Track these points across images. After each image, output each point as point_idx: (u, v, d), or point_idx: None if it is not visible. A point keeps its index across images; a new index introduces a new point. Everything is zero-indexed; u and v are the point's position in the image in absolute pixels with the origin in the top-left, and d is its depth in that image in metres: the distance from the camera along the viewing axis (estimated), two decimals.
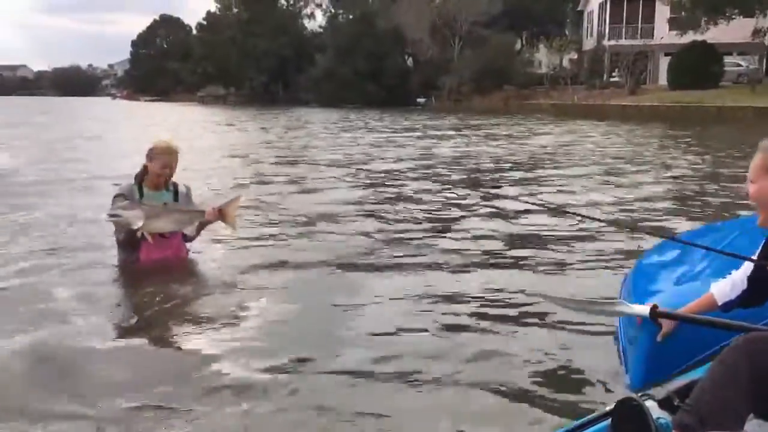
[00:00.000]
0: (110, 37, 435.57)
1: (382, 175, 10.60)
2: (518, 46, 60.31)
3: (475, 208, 7.82)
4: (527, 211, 7.19)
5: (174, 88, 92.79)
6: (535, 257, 5.43)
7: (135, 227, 4.54)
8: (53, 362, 3.24)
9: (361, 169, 11.74)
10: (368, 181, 9.94)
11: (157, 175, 4.74)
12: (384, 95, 56.43)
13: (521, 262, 5.31)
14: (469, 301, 4.27)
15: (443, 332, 3.71)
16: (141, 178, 4.79)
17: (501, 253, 5.66)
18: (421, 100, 57.43)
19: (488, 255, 5.56)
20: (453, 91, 53.28)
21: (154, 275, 4.68)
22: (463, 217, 7.29)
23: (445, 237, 6.26)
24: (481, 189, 9.41)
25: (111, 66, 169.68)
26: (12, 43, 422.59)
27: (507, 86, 50.32)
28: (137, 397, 2.87)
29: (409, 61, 63.89)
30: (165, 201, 4.78)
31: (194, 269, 5.01)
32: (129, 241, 4.71)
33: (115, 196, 4.74)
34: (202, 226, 4.91)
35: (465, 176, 11.20)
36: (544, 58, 57.23)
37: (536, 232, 6.35)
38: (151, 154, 4.73)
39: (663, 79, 41.13)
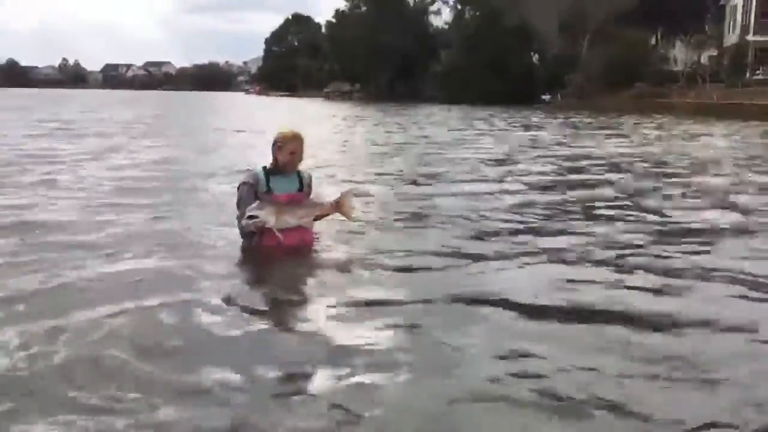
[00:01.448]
0: (246, 35, 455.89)
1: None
2: (653, 42, 57.51)
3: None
4: None
5: (302, 84, 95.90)
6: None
7: (269, 225, 4.69)
8: (173, 337, 3.28)
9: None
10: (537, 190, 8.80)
11: (288, 161, 4.88)
12: (508, 92, 55.57)
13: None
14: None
15: None
16: (272, 167, 4.93)
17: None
18: (545, 96, 56.09)
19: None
20: (580, 88, 51.57)
21: (275, 261, 4.74)
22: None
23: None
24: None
25: (245, 63, 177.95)
26: (158, 42, 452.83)
27: (638, 84, 48.05)
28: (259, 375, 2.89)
29: (535, 58, 62.57)
30: (293, 186, 4.93)
31: (317, 258, 4.96)
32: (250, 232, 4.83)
33: (241, 184, 4.90)
34: (318, 219, 5.01)
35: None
36: (680, 55, 54.21)
37: None
38: (278, 143, 4.87)
39: None
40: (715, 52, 52.32)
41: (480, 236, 5.75)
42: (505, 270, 4.69)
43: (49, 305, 3.66)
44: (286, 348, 3.24)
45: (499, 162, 12.07)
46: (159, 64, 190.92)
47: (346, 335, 3.34)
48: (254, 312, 3.71)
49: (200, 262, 4.67)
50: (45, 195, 7.32)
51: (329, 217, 5.06)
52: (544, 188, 8.84)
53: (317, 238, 5.14)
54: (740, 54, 44.46)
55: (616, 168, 11.31)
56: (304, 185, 5.00)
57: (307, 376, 2.90)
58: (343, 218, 5.08)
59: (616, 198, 8.02)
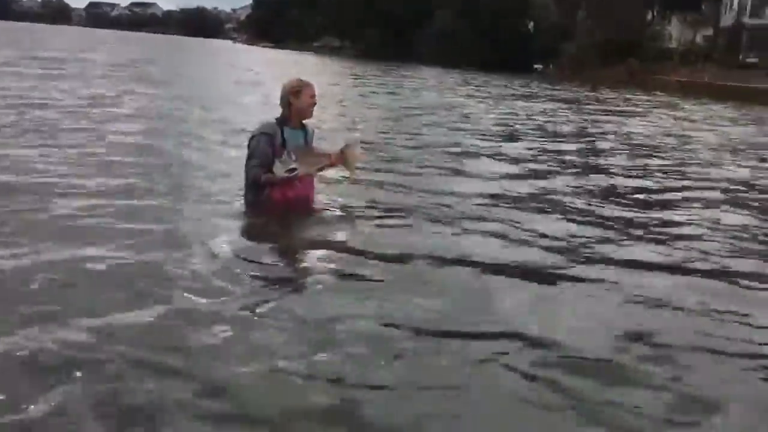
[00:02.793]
0: None
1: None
2: (649, 17, 57.18)
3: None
4: None
5: (292, 37, 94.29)
6: None
7: (299, 174, 4.70)
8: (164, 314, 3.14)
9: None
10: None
11: (309, 107, 4.81)
12: (501, 59, 55.15)
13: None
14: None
15: None
16: (283, 119, 4.83)
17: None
18: (538, 66, 55.77)
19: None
20: (573, 60, 51.32)
21: (281, 218, 4.74)
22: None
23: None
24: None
25: (234, 10, 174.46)
26: None
27: (631, 59, 47.89)
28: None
29: (530, 26, 61.99)
30: (299, 140, 4.84)
31: (322, 211, 5.08)
32: (263, 182, 4.76)
33: (256, 135, 4.78)
34: (321, 170, 4.99)
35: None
36: (675, 32, 54.05)
37: None
38: (296, 89, 4.78)
39: None
40: (710, 32, 52.24)
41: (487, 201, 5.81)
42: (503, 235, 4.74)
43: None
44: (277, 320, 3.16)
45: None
46: (145, 5, 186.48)
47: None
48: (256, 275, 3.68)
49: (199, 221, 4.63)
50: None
51: (332, 169, 5.06)
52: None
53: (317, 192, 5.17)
54: (735, 36, 44.43)
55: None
56: (308, 138, 4.95)
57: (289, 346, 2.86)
58: (346, 170, 5.09)
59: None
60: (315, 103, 4.85)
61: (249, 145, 4.82)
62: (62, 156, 6.48)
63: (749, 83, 33.44)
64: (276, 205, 4.78)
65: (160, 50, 45.42)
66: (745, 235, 5.43)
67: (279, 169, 4.60)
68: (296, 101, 4.76)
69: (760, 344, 3.25)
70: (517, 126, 13.38)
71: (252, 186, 4.82)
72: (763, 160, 10.98)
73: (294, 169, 4.62)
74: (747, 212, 6.45)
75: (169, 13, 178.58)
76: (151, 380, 2.47)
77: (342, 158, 4.91)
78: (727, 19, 48.89)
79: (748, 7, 44.33)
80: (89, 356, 2.59)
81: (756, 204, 7.00)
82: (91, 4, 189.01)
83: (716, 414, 2.58)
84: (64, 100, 11.32)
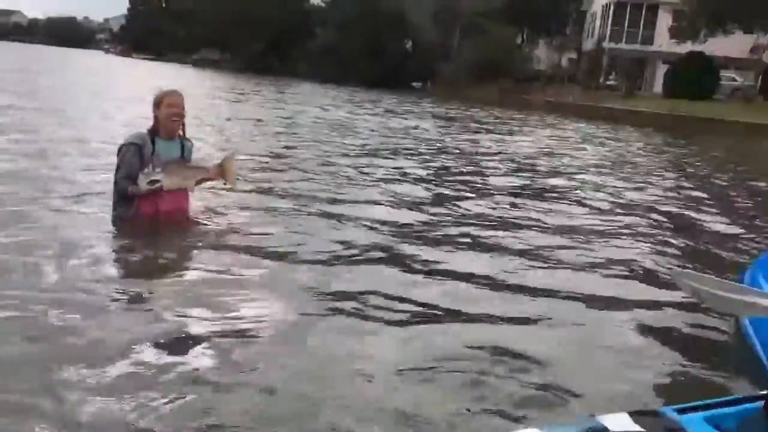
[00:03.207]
0: None
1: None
2: (519, 40, 60.30)
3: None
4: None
5: (168, 49, 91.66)
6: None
7: (164, 188, 4.66)
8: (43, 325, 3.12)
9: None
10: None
11: (169, 118, 4.73)
12: (381, 76, 56.24)
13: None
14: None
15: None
16: (153, 130, 4.79)
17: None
18: (416, 84, 57.31)
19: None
20: (450, 79, 53.21)
21: (154, 232, 4.74)
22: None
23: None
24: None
25: (107, 20, 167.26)
26: None
27: (502, 79, 50.28)
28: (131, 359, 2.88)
29: (409, 45, 63.65)
30: (174, 153, 4.83)
31: (196, 225, 5.08)
32: (130, 196, 4.70)
33: (125, 145, 4.73)
34: (200, 183, 5.00)
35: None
36: (543, 55, 57.32)
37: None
38: (158, 100, 4.75)
39: (659, 87, 41.43)
40: (574, 55, 55.78)
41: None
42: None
43: None
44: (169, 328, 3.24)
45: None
46: (7, 13, 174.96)
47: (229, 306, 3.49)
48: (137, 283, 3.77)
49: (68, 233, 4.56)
50: None
51: (210, 183, 5.11)
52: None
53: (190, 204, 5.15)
54: (596, 59, 47.72)
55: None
56: (185, 152, 4.91)
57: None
58: (226, 183, 5.14)
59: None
60: (177, 113, 4.74)
61: (118, 155, 4.77)
62: None
63: (606, 104, 36.07)
64: (146, 218, 4.72)
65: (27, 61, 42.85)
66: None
67: (142, 181, 4.56)
68: (158, 111, 4.74)
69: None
70: (396, 142, 13.83)
71: (120, 198, 4.75)
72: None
73: (157, 181, 4.57)
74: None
75: (34, 21, 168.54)
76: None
77: (221, 171, 4.94)
78: (588, 43, 52.45)
79: (607, 35, 47.77)
80: None
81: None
82: None
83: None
84: None
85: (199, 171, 4.94)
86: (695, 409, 2.03)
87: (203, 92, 24.72)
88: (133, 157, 4.62)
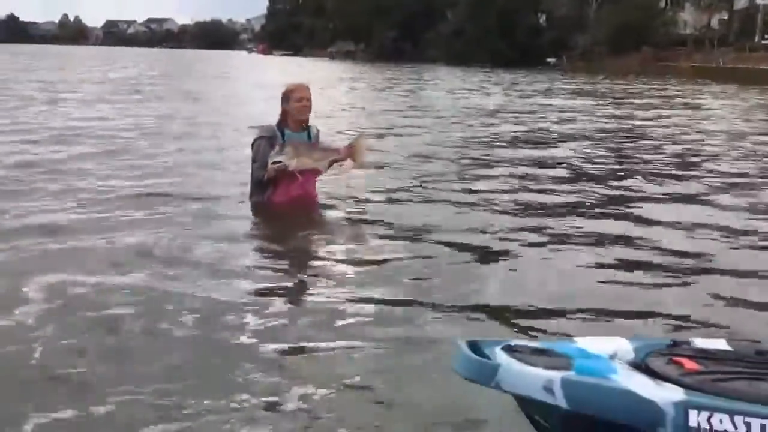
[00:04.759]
0: None
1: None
2: (662, 4, 56.73)
3: None
4: None
5: (306, 44, 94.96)
6: None
7: (291, 168, 4.74)
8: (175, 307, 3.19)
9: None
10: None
11: (297, 110, 4.90)
12: (513, 54, 55.06)
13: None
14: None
15: None
16: (282, 122, 4.98)
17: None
18: (551, 59, 55.58)
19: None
20: (586, 51, 51.12)
21: (286, 217, 4.91)
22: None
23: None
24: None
25: (248, 20, 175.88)
26: None
27: (645, 47, 47.58)
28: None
29: (542, 19, 61.79)
30: (302, 141, 4.97)
31: (324, 213, 5.16)
32: (267, 182, 4.88)
33: (257, 139, 4.95)
34: (332, 164, 5.04)
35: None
36: (689, 18, 53.54)
37: None
38: (286, 95, 4.93)
39: None
40: (725, 16, 51.68)
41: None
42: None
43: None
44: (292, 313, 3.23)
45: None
46: (161, 21, 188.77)
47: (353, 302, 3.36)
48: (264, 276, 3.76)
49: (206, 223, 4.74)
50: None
51: (341, 163, 5.07)
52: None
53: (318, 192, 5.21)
54: (749, 17, 43.96)
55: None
56: (311, 138, 5.04)
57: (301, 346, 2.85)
58: (355, 165, 5.12)
59: None
60: (306, 106, 4.90)
61: (252, 150, 5.00)
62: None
63: (760, 65, 33.12)
64: (277, 205, 4.94)
65: (174, 65, 45.83)
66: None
67: (270, 162, 4.75)
68: (286, 105, 4.91)
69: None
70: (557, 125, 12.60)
71: (256, 187, 5.00)
72: None
73: (279, 162, 4.70)
74: None
75: (184, 26, 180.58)
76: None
77: (351, 152, 5.00)
78: (741, 2, 48.36)
79: None
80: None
81: None
82: (108, 23, 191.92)
83: None
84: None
85: (330, 152, 4.99)
86: None
87: (337, 83, 25.17)
88: (267, 148, 4.85)
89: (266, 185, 4.90)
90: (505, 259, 4.14)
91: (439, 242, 4.42)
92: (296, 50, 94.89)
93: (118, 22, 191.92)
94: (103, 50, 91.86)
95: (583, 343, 1.88)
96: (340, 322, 3.04)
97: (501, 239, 4.56)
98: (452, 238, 4.46)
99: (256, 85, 23.10)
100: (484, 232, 4.70)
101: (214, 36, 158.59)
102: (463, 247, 4.28)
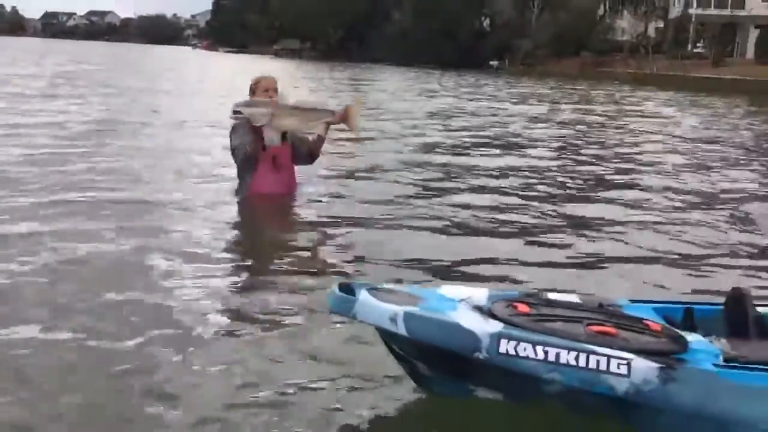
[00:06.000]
0: None
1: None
2: (600, 11, 58.42)
3: None
4: None
5: (252, 41, 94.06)
6: None
7: (259, 123, 4.63)
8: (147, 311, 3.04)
9: None
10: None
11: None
12: (458, 56, 55.85)
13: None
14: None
15: None
16: None
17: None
18: (493, 63, 56.58)
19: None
20: (528, 55, 52.29)
21: (262, 213, 4.92)
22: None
23: None
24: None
25: (194, 16, 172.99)
26: None
27: (583, 53, 48.98)
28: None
29: (486, 23, 62.87)
30: (275, 139, 4.90)
31: (302, 209, 5.07)
32: (249, 164, 4.83)
33: (234, 126, 4.93)
34: (326, 128, 4.92)
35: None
36: (626, 25, 55.32)
37: None
38: (254, 85, 5.04)
39: (751, 53, 39.30)
40: (661, 24, 53.55)
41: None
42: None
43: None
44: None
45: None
46: (102, 14, 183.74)
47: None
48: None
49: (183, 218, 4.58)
50: None
51: (334, 127, 5.02)
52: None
53: (300, 184, 5.25)
54: (683, 27, 45.69)
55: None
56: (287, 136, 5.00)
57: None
58: (349, 129, 5.04)
59: None
60: (271, 96, 4.90)
61: (230, 139, 4.97)
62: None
63: (691, 72, 34.60)
64: (258, 195, 4.91)
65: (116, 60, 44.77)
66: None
67: (231, 111, 4.78)
68: (253, 96, 4.98)
69: None
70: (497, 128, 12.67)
71: (245, 164, 4.90)
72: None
73: (239, 113, 4.68)
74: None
75: (127, 20, 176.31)
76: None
77: (345, 116, 4.90)
78: (675, 11, 50.16)
79: (694, 0, 45.60)
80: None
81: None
82: (46, 14, 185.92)
83: None
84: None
85: (324, 113, 4.87)
86: (646, 302, 2.36)
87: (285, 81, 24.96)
88: (243, 128, 4.79)
89: (249, 166, 4.88)
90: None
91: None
92: (241, 47, 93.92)
93: (57, 14, 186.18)
94: (42, 42, 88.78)
95: (444, 290, 2.22)
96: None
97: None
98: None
99: (202, 80, 22.86)
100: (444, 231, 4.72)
101: (158, 31, 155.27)
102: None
